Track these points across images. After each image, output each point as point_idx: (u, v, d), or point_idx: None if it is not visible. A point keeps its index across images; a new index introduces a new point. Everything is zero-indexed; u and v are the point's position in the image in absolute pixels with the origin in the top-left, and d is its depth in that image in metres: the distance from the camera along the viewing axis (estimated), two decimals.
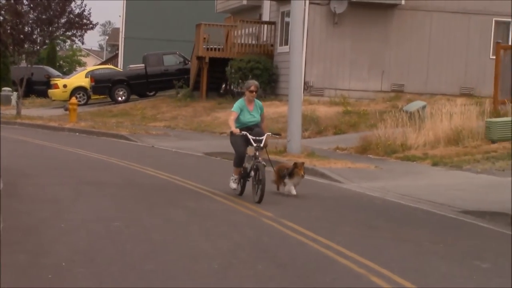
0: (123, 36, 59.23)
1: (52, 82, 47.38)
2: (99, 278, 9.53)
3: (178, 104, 39.18)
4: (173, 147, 27.05)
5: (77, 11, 39.33)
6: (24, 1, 38.83)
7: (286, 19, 34.45)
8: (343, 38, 35.36)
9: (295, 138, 24.10)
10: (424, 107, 27.32)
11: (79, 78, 47.08)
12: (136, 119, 36.46)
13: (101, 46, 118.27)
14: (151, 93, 45.02)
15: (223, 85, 40.14)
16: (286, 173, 16.16)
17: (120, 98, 43.63)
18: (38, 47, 40.76)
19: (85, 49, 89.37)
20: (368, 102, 33.46)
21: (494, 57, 30.21)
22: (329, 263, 10.81)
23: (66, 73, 59.43)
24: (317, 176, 20.01)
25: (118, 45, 65.45)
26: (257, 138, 15.30)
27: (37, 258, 10.29)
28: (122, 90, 43.92)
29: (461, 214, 15.26)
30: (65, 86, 45.93)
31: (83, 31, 40.57)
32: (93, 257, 10.60)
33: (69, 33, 41.29)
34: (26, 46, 39.45)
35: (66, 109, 38.06)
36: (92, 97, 45.67)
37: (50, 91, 46.67)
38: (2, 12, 38.50)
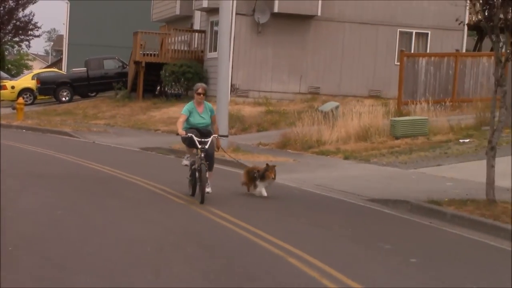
0: (66, 42, 58.64)
1: (1, 84, 46.79)
2: (42, 261, 9.48)
3: (117, 104, 38.99)
4: (112, 142, 26.91)
5: (24, 19, 38.95)
6: None
7: (215, 28, 34.43)
8: (266, 46, 35.52)
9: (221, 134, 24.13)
10: (337, 107, 27.56)
11: (26, 80, 46.78)
12: (79, 117, 36.19)
13: (46, 51, 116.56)
14: (93, 94, 44.71)
15: (158, 87, 39.99)
16: (257, 175, 15.02)
17: (64, 99, 43.44)
18: None
19: (31, 53, 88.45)
20: (287, 103, 33.65)
21: (398, 64, 30.64)
22: (250, 246, 10.87)
23: (14, 75, 58.56)
24: (241, 169, 20.03)
25: (62, 50, 64.68)
26: (202, 140, 14.16)
27: None
28: (65, 91, 43.74)
29: (368, 202, 15.43)
30: (13, 87, 45.72)
31: (30, 38, 40.26)
32: (37, 242, 10.53)
33: (17, 39, 40.96)
34: None
35: (14, 108, 37.78)
36: (38, 98, 45.30)
37: None
38: None
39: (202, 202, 13.88)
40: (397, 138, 23.80)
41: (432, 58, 29.66)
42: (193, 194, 14.62)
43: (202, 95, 14.68)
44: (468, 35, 39.08)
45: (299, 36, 35.83)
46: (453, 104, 28.49)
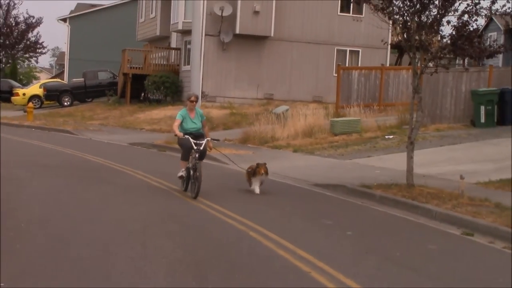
0: (67, 57, 58.19)
1: (14, 91, 46.72)
2: (51, 236, 9.44)
3: (109, 108, 38.74)
4: (105, 139, 26.73)
5: (33, 39, 38.89)
6: None
7: (188, 46, 34.29)
8: (230, 60, 35.50)
9: None
10: (287, 110, 27.61)
11: (35, 89, 46.46)
12: (78, 118, 35.86)
13: (51, 65, 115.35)
14: (89, 100, 44.36)
15: (142, 94, 39.79)
16: (251, 173, 14.08)
17: (65, 103, 43.17)
18: (3, 66, 40.07)
19: (39, 67, 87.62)
20: (247, 106, 33.62)
21: (336, 75, 30.76)
22: (219, 223, 10.90)
23: (25, 84, 57.97)
24: (211, 160, 20.02)
25: (64, 64, 64.05)
26: (198, 142, 13.19)
27: (3, 222, 10.11)
28: (67, 97, 43.53)
29: (313, 186, 15.49)
30: (24, 94, 45.52)
31: (38, 54, 40.23)
32: (45, 220, 10.49)
33: (27, 55, 40.91)
34: None
35: (25, 111, 37.57)
36: (45, 103, 44.90)
37: (12, 98, 46.03)
38: None
39: (196, 197, 12.80)
40: (335, 135, 23.90)
41: (363, 70, 29.82)
42: (185, 190, 13.62)
43: (194, 102, 13.81)
44: (391, 52, 39.43)
45: (256, 53, 35.88)
46: (380, 108, 28.69)
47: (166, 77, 36.71)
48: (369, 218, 12.08)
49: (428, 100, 23.08)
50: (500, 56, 38.95)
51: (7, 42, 38.33)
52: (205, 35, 34.08)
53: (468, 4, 13.65)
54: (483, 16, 13.84)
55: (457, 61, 31.78)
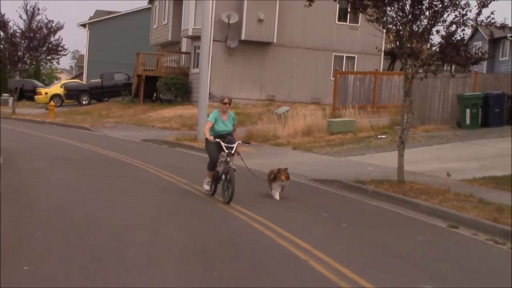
0: (86, 60, 58.32)
1: (37, 91, 46.72)
2: (70, 223, 9.45)
3: (123, 107, 38.73)
4: (120, 135, 26.75)
5: (55, 42, 39.13)
6: (17, 35, 38.43)
7: (197, 50, 34.28)
8: (235, 64, 35.46)
9: (202, 130, 24.04)
10: (288, 110, 27.67)
11: (56, 88, 46.39)
12: (95, 116, 35.89)
13: (71, 67, 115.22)
14: (105, 99, 44.31)
15: (155, 94, 39.76)
16: (272, 178, 12.76)
17: (84, 102, 43.06)
18: (27, 67, 40.41)
19: (60, 68, 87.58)
20: (251, 107, 33.61)
21: (333, 79, 30.72)
22: (223, 213, 10.92)
23: (47, 84, 58.06)
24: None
25: (83, 66, 64.11)
26: (229, 145, 11.89)
27: (26, 210, 10.16)
28: (85, 97, 43.42)
29: (310, 181, 15.48)
30: (46, 93, 45.40)
31: (59, 56, 40.56)
32: (64, 209, 10.51)
33: (49, 58, 41.17)
34: (19, 66, 39.12)
35: (47, 109, 37.66)
36: (65, 101, 44.86)
37: (36, 96, 45.97)
38: (2, 42, 38.12)
39: (229, 202, 11.49)
40: (332, 134, 23.91)
41: (358, 75, 29.79)
42: (213, 194, 12.36)
43: (227, 105, 12.31)
44: (384, 59, 39.34)
45: (260, 57, 35.81)
46: (373, 110, 28.65)
47: (176, 79, 36.69)
48: (363, 211, 12.07)
49: (417, 103, 23.05)
50: (485, 63, 38.94)
51: (31, 45, 38.46)
52: (213, 40, 33.98)
53: (455, 15, 13.66)
54: (470, 27, 13.85)
55: (445, 68, 31.75)
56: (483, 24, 13.65)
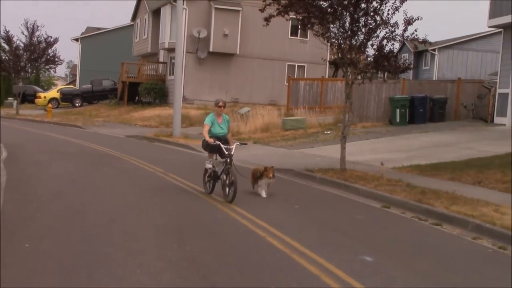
0: (79, 69, 57.74)
1: (37, 95, 46.18)
2: (65, 207, 9.32)
3: (110, 108, 38.36)
4: (108, 132, 26.45)
5: (52, 54, 39.21)
6: (20, 48, 38.38)
7: (173, 60, 34.12)
8: (205, 72, 35.34)
9: (177, 128, 23.95)
10: (249, 111, 27.65)
11: (53, 93, 45.90)
12: (86, 116, 35.45)
13: (66, 75, 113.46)
14: (95, 102, 43.87)
15: (137, 98, 39.45)
16: (258, 176, 11.39)
17: (77, 104, 42.66)
18: (29, 75, 40.21)
19: (57, 76, 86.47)
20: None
21: (287, 84, 30.82)
22: (194, 197, 10.84)
23: (45, 89, 57.23)
24: (189, 149, 19.99)
25: (76, 74, 63.35)
26: (228, 147, 10.71)
27: (27, 196, 10.00)
28: (78, 100, 43.07)
29: None
30: (45, 97, 44.95)
31: (55, 66, 40.55)
32: (62, 195, 10.35)
33: (47, 67, 41.19)
34: (22, 74, 38.89)
35: (45, 110, 37.20)
36: (61, 104, 44.36)
37: (36, 100, 45.49)
38: (7, 54, 38.23)
39: (232, 201, 10.25)
40: (286, 130, 23.99)
41: (308, 81, 29.92)
42: (211, 192, 11.09)
43: (222, 108, 11.18)
44: (329, 67, 39.59)
45: (225, 66, 35.76)
46: (320, 110, 28.82)
47: (155, 84, 36.60)
48: (311, 195, 12.10)
49: (357, 104, 23.25)
50: (411, 71, 39.50)
51: (32, 57, 38.43)
52: (186, 52, 33.82)
53: (386, 32, 13.81)
54: (398, 41, 14.01)
55: (378, 75, 32.09)
56: (408, 39, 13.82)
